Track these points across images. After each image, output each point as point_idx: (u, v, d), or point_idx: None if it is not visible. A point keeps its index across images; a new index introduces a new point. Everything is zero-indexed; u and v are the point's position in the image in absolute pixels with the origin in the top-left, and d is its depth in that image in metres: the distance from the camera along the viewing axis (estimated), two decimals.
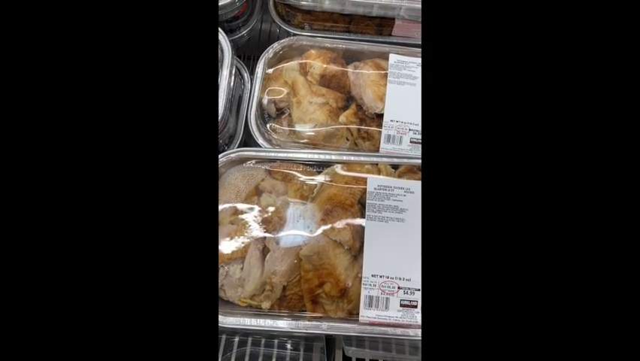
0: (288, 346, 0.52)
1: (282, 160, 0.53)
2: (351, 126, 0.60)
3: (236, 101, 0.65)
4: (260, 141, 0.59)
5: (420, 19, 0.65)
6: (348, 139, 0.61)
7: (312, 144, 0.59)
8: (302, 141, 0.60)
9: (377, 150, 0.58)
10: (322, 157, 0.53)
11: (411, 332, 0.44)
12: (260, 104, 0.62)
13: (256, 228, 0.46)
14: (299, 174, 0.50)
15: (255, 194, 0.49)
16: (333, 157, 0.53)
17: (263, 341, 0.52)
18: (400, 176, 0.51)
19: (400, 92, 0.60)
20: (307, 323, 0.44)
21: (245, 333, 0.52)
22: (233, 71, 0.60)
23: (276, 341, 0.52)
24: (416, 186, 0.48)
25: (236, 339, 0.53)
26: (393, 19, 0.67)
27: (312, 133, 0.59)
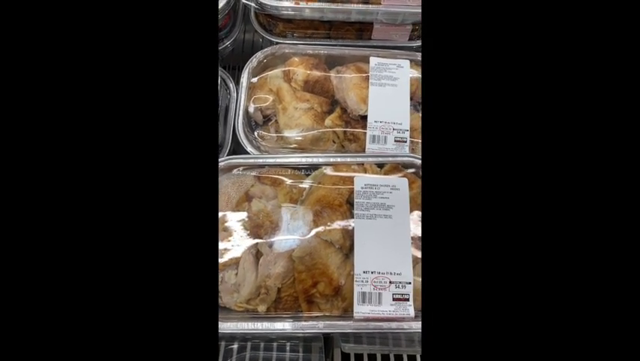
0: (287, 348, 0.52)
1: (271, 165, 0.54)
2: (337, 129, 0.62)
3: (223, 111, 0.66)
4: (249, 148, 0.60)
5: (397, 22, 0.67)
6: (334, 142, 0.63)
7: (300, 148, 0.61)
8: (290, 147, 0.61)
9: (363, 150, 0.60)
10: (309, 160, 0.54)
11: (405, 325, 0.45)
12: (246, 112, 0.63)
13: (248, 233, 0.47)
14: (287, 178, 0.51)
15: (246, 200, 0.50)
16: (320, 160, 0.54)
17: (262, 345, 0.53)
18: (385, 174, 0.52)
19: (382, 93, 0.62)
20: (304, 323, 0.45)
21: (244, 338, 0.53)
22: (219, 82, 0.62)
23: (275, 344, 0.53)
24: (401, 182, 0.49)
25: (236, 345, 0.54)
26: (372, 23, 0.69)
27: (300, 138, 0.61)
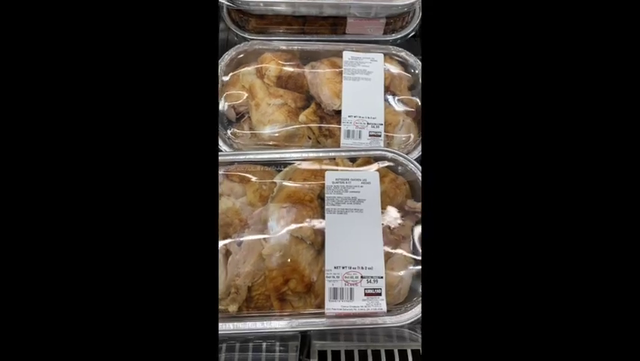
0: (263, 348, 0.52)
1: (240, 162, 0.53)
2: (311, 125, 0.61)
3: None
4: (223, 147, 0.59)
5: (370, 16, 0.67)
6: (310, 138, 0.62)
7: (275, 145, 0.60)
8: (264, 144, 0.60)
9: (339, 146, 0.59)
10: (279, 157, 0.53)
11: (379, 320, 0.44)
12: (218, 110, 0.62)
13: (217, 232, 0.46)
14: (257, 175, 0.50)
15: None
16: (292, 155, 0.53)
17: (237, 345, 0.52)
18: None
19: (356, 88, 0.61)
20: (276, 322, 0.44)
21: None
22: None
23: (250, 344, 0.52)
24: (372, 176, 0.49)
25: None
26: (346, 17, 0.68)
27: (274, 135, 0.60)
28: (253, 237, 0.46)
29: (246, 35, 0.70)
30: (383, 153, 0.53)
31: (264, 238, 0.46)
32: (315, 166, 0.51)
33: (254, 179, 0.50)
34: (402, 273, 0.46)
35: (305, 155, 0.53)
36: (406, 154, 0.61)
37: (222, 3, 0.66)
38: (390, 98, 0.64)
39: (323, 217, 0.47)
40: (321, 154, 0.53)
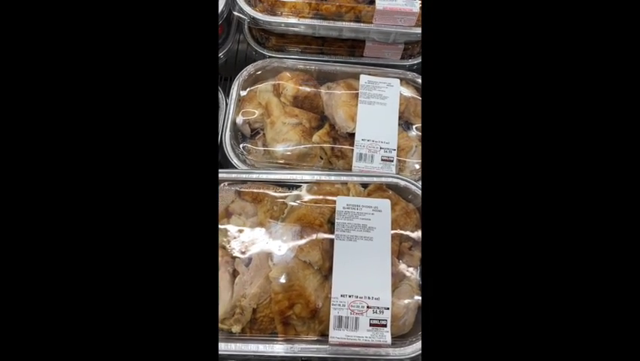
0: None
1: (253, 181, 0.53)
2: (324, 145, 0.61)
3: None
4: (235, 161, 0.59)
5: (389, 41, 0.68)
6: (322, 158, 0.62)
7: (287, 163, 0.60)
8: (276, 161, 0.61)
9: (350, 168, 0.59)
10: (293, 177, 0.53)
11: (382, 351, 0.44)
12: (234, 124, 0.63)
13: (226, 250, 0.46)
14: (269, 195, 0.51)
15: (225, 216, 0.49)
16: (305, 177, 0.53)
17: None
18: (369, 194, 0.51)
19: (371, 112, 0.61)
20: (278, 345, 0.44)
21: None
22: None
23: None
24: (384, 204, 0.49)
25: None
26: (364, 40, 0.69)
27: (286, 153, 0.60)
28: (261, 258, 0.46)
29: (265, 52, 0.71)
30: (396, 180, 0.53)
31: (272, 260, 0.46)
32: (327, 190, 0.50)
33: (267, 199, 0.50)
34: (408, 304, 0.46)
35: (317, 177, 0.53)
36: (417, 180, 0.61)
37: (244, 20, 0.68)
38: (404, 123, 0.64)
39: (332, 242, 0.46)
40: (333, 177, 0.53)
